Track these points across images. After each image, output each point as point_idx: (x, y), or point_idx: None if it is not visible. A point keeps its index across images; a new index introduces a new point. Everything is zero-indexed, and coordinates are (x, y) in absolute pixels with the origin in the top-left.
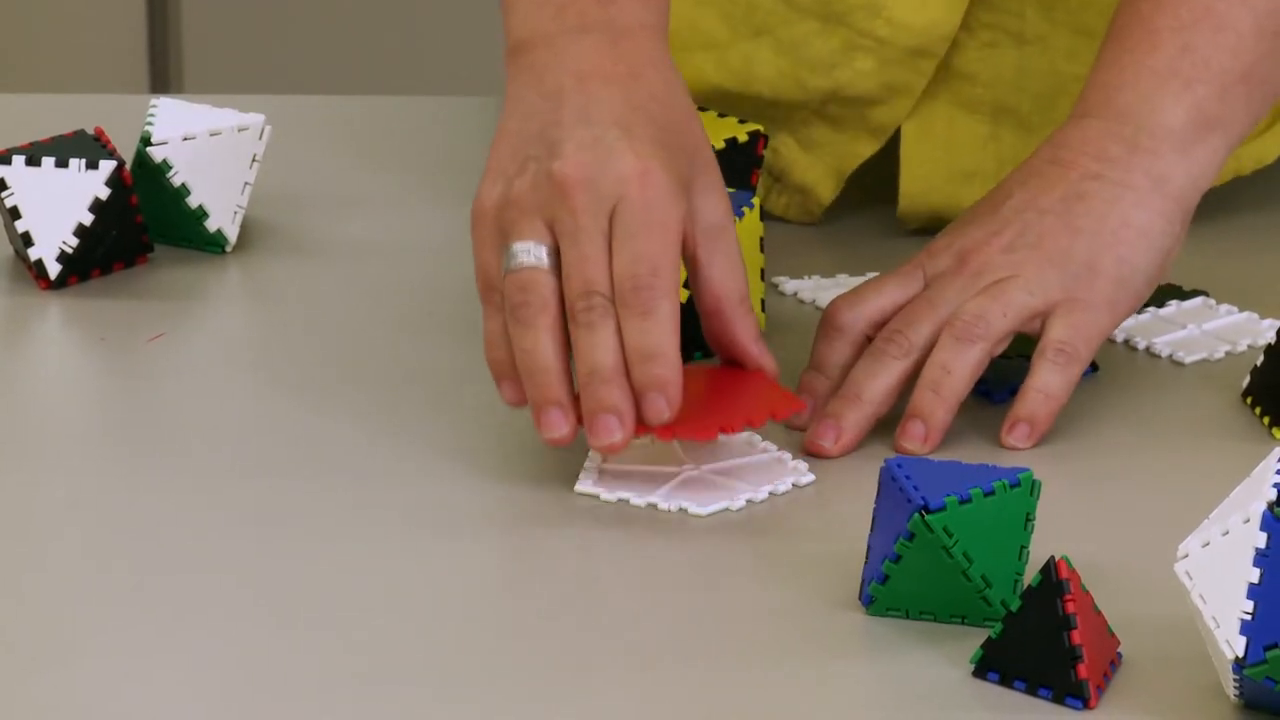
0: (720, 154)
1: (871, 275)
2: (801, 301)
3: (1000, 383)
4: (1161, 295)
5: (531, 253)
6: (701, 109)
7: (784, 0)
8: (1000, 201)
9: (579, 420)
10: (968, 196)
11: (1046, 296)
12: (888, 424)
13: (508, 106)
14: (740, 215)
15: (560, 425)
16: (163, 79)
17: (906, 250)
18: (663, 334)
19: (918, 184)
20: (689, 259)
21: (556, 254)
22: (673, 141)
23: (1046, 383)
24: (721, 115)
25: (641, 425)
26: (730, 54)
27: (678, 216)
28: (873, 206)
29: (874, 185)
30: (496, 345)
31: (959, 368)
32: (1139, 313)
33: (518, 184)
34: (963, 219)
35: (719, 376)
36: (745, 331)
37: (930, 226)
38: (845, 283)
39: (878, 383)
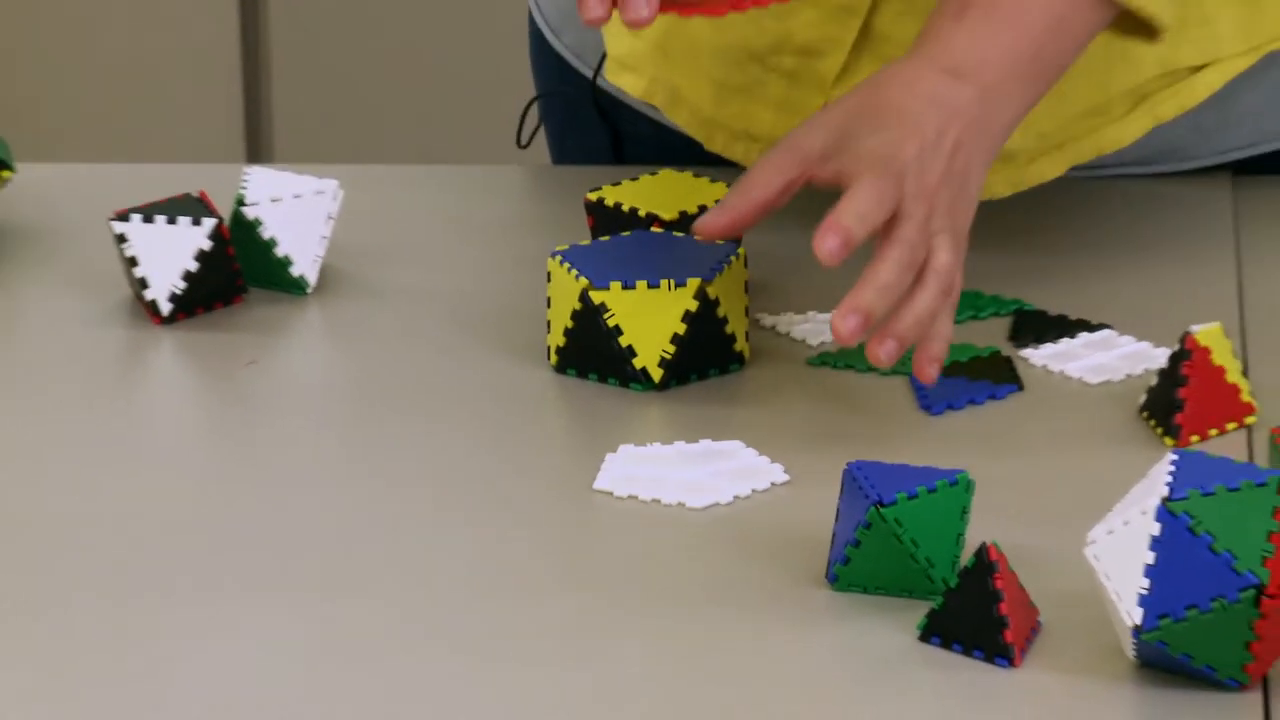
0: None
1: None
2: (779, 334)
3: (939, 398)
4: (1074, 328)
5: None
6: (678, 169)
7: None
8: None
9: (614, 4)
10: None
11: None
12: (855, 435)
13: None
14: (729, 263)
15: (597, 7)
16: (255, 151)
17: None
18: None
19: None
20: None
21: None
22: None
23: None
24: (714, 181)
25: (666, 4)
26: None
27: None
28: (849, 267)
29: None
30: None
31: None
32: (1054, 343)
33: None
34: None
35: None
36: None
37: None
38: (813, 318)
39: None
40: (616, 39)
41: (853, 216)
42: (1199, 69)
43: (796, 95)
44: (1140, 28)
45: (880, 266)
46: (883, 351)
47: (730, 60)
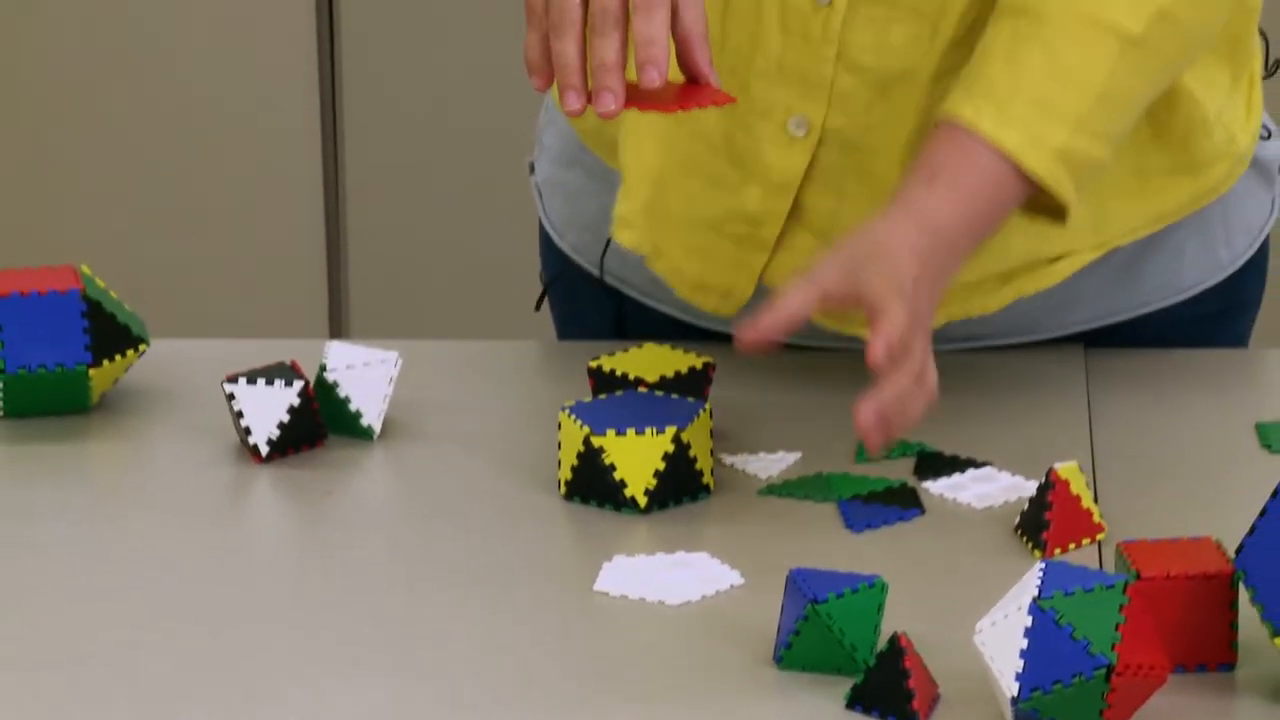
0: (682, 377)
1: (792, 455)
2: (737, 469)
3: (860, 519)
4: (964, 465)
5: None
6: (658, 343)
7: (706, 145)
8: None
9: (589, 99)
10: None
11: None
12: (796, 548)
13: None
14: (697, 414)
15: (575, 101)
16: (335, 329)
17: (815, 436)
18: (659, 27)
19: (784, 275)
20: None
21: None
22: None
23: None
24: (686, 352)
25: (629, 101)
26: (678, 186)
27: None
28: (791, 419)
29: (787, 406)
30: (532, 49)
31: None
32: (949, 476)
33: None
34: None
35: (684, 86)
36: (703, 56)
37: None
38: (764, 457)
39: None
40: (620, 202)
41: (896, 329)
42: (1056, 259)
43: (742, 256)
44: (1048, 210)
45: (900, 376)
46: (879, 441)
47: (694, 229)
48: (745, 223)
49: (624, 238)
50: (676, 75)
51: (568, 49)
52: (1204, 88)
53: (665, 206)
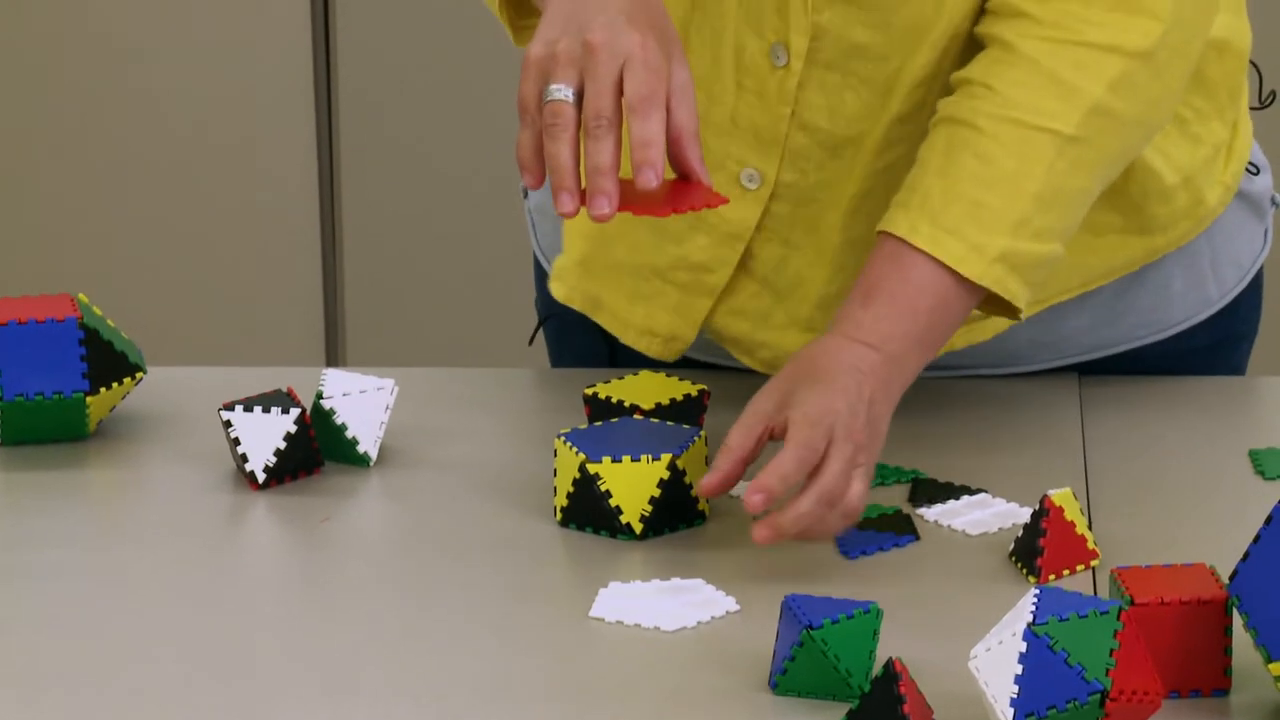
0: (677, 405)
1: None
2: (731, 496)
3: (855, 546)
4: (958, 492)
5: (563, 91)
6: (654, 371)
7: None
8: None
9: (582, 201)
10: (736, 326)
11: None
12: (791, 575)
13: (551, 3)
14: (692, 441)
15: (569, 204)
16: (333, 356)
17: None
18: (656, 130)
19: (725, 318)
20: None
21: (578, 97)
22: (657, 25)
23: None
24: (669, 375)
25: (623, 204)
26: (623, 237)
27: (666, 69)
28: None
29: None
30: (524, 148)
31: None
32: (943, 503)
33: (560, 45)
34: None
35: (675, 184)
36: (694, 154)
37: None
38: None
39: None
40: (560, 256)
41: (776, 478)
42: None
43: (687, 301)
44: (1004, 307)
45: (802, 500)
46: (761, 537)
47: (640, 276)
48: (691, 270)
49: (555, 290)
50: (666, 171)
51: (562, 151)
52: (1162, 158)
53: (607, 258)
